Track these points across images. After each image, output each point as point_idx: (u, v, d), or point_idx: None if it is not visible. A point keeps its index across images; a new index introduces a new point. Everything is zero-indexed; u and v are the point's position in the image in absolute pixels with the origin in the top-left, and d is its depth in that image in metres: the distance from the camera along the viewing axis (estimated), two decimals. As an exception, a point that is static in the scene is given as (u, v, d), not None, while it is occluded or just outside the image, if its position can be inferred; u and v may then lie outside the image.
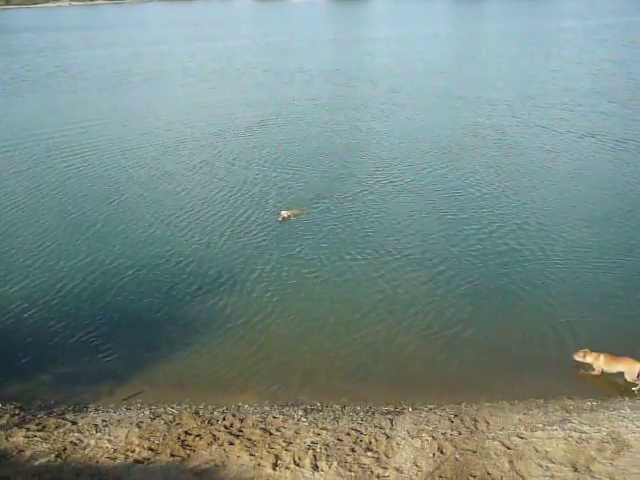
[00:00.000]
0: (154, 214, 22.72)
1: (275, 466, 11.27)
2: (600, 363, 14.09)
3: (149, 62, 62.75)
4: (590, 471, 11.07)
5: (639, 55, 54.88)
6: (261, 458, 11.49)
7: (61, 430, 12.50)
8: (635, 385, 13.79)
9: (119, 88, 48.84)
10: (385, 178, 25.97)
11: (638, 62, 50.37)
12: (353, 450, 11.74)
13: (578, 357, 14.27)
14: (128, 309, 16.77)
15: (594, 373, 14.17)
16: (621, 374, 13.96)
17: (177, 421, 12.76)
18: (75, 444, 11.98)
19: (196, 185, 25.40)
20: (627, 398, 13.45)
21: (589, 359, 14.20)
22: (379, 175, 26.36)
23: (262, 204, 23.10)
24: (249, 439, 12.11)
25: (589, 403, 13.31)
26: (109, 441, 12.07)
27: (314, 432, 12.31)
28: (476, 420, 12.70)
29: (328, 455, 11.56)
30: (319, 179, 26.03)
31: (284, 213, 21.70)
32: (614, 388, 13.72)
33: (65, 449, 11.81)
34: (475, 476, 11.00)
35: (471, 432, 12.31)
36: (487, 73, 48.46)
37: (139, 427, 12.52)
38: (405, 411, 13.12)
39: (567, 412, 12.95)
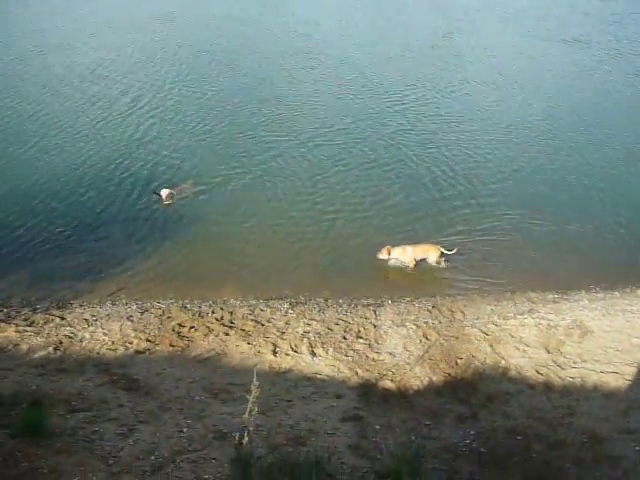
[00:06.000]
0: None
1: (274, 353, 11.73)
2: (409, 254, 14.94)
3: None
4: (561, 353, 12.08)
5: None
6: (259, 346, 11.91)
7: (51, 325, 12.47)
8: (439, 264, 15.01)
9: None
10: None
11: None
12: (345, 338, 12.33)
13: (382, 255, 14.86)
14: (103, 206, 16.46)
15: (408, 265, 15.03)
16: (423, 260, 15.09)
17: (167, 315, 12.94)
18: (70, 337, 12.03)
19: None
20: (584, 291, 14.46)
21: (395, 254, 14.89)
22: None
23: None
24: (243, 330, 12.47)
25: (551, 296, 14.27)
26: (104, 334, 12.17)
27: (304, 322, 12.80)
28: (452, 311, 13.48)
29: (323, 342, 12.10)
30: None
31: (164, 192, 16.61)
32: (574, 283, 14.67)
33: (61, 342, 11.85)
34: (461, 358, 11.80)
35: (450, 321, 13.10)
36: None
37: (131, 321, 12.66)
38: (385, 303, 13.74)
39: (533, 303, 13.90)
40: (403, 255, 14.87)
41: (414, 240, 15.44)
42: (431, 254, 14.99)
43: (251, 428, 6.87)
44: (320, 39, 29.34)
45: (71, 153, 19.18)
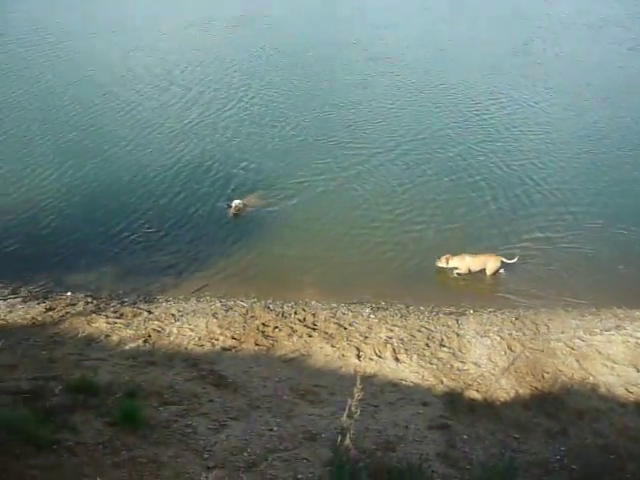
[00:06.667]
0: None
1: (359, 357, 11.75)
2: (467, 263, 14.74)
3: None
4: (652, 373, 11.71)
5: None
6: (343, 349, 11.95)
7: (140, 318, 12.79)
8: (497, 275, 14.83)
9: None
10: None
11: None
12: (428, 345, 12.26)
13: (441, 263, 14.75)
14: (189, 207, 16.80)
15: (461, 273, 14.84)
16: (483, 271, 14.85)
17: (251, 314, 13.11)
18: (158, 331, 12.31)
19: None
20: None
21: (454, 263, 14.72)
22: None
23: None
24: (326, 332, 12.54)
25: (638, 313, 13.85)
26: (191, 329, 12.41)
27: (386, 328, 12.78)
28: (536, 323, 13.24)
29: (406, 349, 12.06)
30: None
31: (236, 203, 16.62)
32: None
33: (150, 335, 12.13)
34: (548, 372, 11.58)
35: (534, 333, 12.87)
36: None
37: (216, 318, 12.87)
38: (467, 313, 13.60)
39: (620, 319, 13.53)
40: (461, 264, 14.74)
41: (493, 249, 15.30)
42: (490, 264, 14.80)
43: (352, 431, 6.85)
44: (398, 45, 29.17)
45: (162, 153, 19.62)
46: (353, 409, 6.89)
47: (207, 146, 19.95)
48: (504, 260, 14.76)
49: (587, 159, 19.71)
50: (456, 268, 14.86)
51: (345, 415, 7.05)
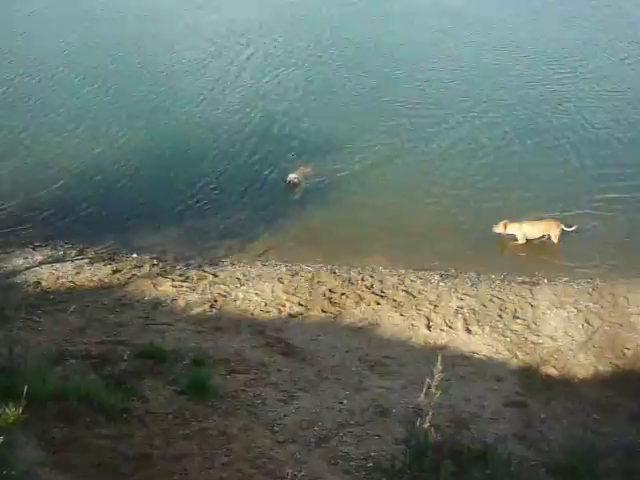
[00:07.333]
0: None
1: (429, 327, 11.40)
2: (525, 230, 13.96)
3: None
4: None
5: None
6: (412, 319, 11.63)
7: (205, 282, 12.69)
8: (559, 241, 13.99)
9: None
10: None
11: None
12: (500, 317, 11.82)
13: (498, 229, 13.96)
14: (253, 170, 16.48)
15: (519, 242, 14.09)
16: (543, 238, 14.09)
17: (317, 279, 12.86)
18: (224, 296, 12.19)
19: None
20: None
21: (511, 230, 13.93)
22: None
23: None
24: (394, 300, 12.22)
25: None
26: (257, 294, 12.25)
27: (457, 297, 12.38)
28: (614, 295, 12.64)
29: (478, 320, 11.65)
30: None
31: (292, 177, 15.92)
32: None
33: (216, 300, 12.02)
34: (629, 348, 11.03)
35: (612, 306, 12.29)
36: None
37: (281, 283, 12.68)
38: (541, 282, 13.07)
39: None
40: (519, 231, 14.07)
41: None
42: (552, 231, 14.09)
43: (431, 412, 6.53)
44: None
45: (231, 114, 19.09)
46: (433, 389, 6.57)
47: (276, 108, 19.42)
48: (564, 227, 14.01)
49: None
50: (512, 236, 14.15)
51: (422, 394, 6.75)
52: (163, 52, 23.05)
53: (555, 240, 14.09)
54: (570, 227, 14.02)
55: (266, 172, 16.37)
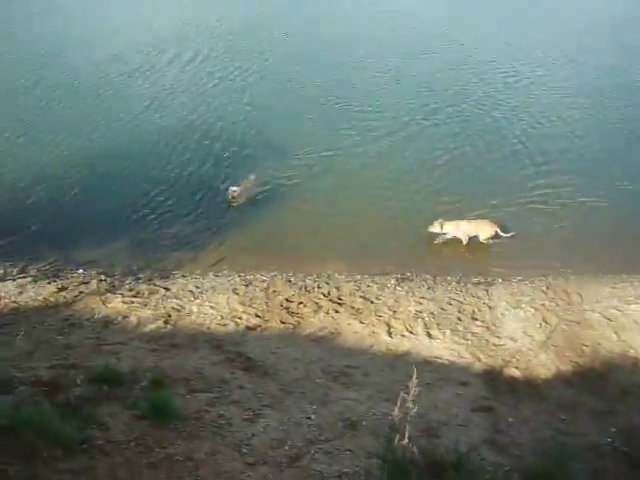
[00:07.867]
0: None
1: (390, 334, 11.26)
2: (463, 229, 14.13)
3: None
4: (694, 344, 11.24)
5: None
6: (373, 325, 11.47)
7: (157, 296, 12.26)
8: (487, 243, 14.16)
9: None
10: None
11: None
12: (460, 319, 11.78)
13: (434, 228, 14.13)
14: (200, 178, 16.08)
15: (463, 242, 14.24)
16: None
17: (272, 288, 12.58)
18: (178, 310, 11.79)
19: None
20: None
21: (447, 228, 14.09)
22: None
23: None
24: (352, 307, 12.04)
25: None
26: (212, 307, 11.90)
27: (415, 301, 12.28)
28: (568, 292, 12.76)
29: (438, 324, 11.57)
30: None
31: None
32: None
33: (170, 315, 11.61)
34: (587, 346, 11.12)
35: (568, 304, 12.39)
36: None
37: (237, 294, 12.35)
38: (496, 282, 13.10)
39: (654, 286, 12.98)
40: (456, 230, 14.13)
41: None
42: (484, 232, 14.16)
43: (407, 426, 6.35)
44: None
45: (177, 121, 18.82)
46: (410, 404, 6.40)
47: (224, 114, 19.18)
48: (498, 231, 14.10)
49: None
50: (448, 234, 14.20)
51: (396, 409, 6.59)
52: (107, 60, 22.55)
53: (482, 240, 14.16)
54: (506, 233, 14.10)
55: (215, 182, 15.93)
